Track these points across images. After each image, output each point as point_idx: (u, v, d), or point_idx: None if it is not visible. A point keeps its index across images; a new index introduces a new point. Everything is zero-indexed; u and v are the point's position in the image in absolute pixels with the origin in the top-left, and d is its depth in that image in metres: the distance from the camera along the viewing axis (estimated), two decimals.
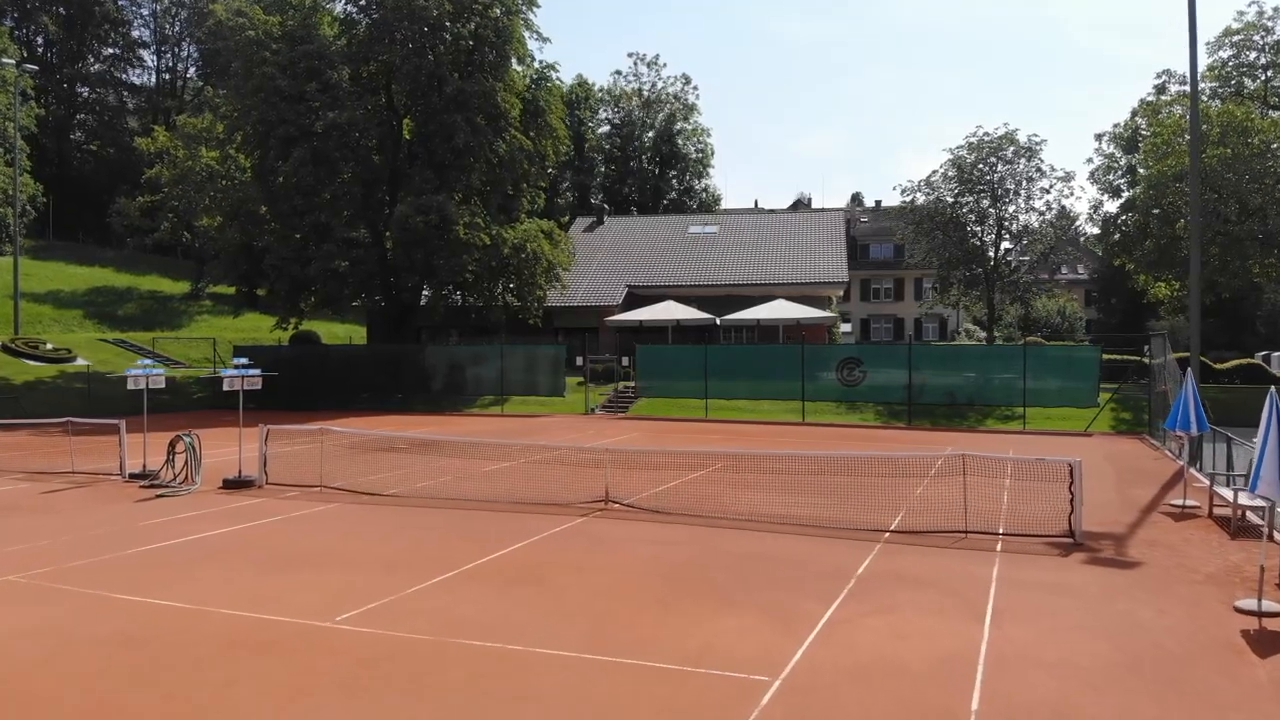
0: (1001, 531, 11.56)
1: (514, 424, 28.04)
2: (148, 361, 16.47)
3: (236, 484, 15.17)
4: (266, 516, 12.73)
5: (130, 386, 16.06)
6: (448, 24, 35.19)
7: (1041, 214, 35.59)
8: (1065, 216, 37.76)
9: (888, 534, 11.50)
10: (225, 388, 15.41)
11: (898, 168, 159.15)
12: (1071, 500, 11.20)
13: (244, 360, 16.15)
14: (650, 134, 67.21)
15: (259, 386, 16.01)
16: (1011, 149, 35.16)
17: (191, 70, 78.60)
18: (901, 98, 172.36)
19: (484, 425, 27.58)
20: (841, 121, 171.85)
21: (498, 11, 36.46)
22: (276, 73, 33.95)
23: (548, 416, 30.53)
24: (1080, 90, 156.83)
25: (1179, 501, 13.95)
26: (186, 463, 15.57)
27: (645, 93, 67.73)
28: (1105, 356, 46.30)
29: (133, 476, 16.02)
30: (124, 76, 76.38)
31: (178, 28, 76.55)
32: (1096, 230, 47.47)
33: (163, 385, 16.67)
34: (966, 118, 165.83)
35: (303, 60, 34.58)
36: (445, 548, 10.75)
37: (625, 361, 33.65)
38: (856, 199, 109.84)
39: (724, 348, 32.59)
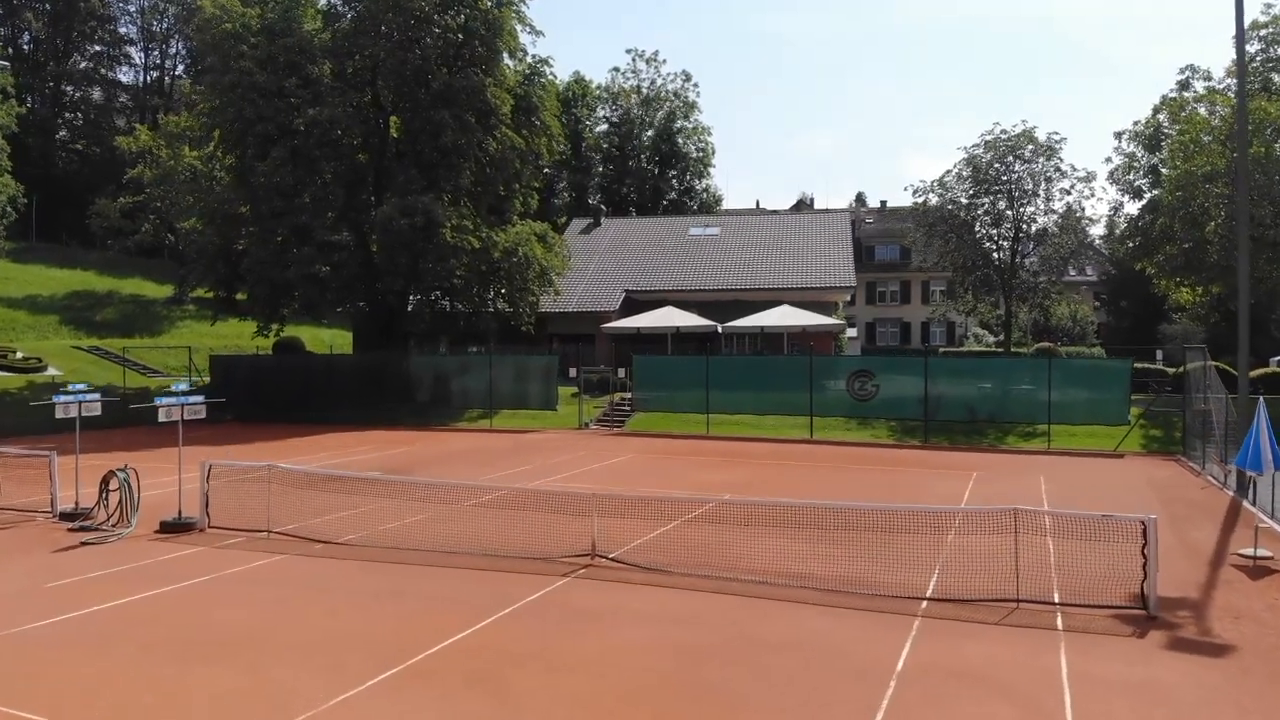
0: (1059, 601, 9.75)
1: (502, 441, 26.24)
2: (79, 386, 14.62)
3: (175, 527, 13.37)
4: (196, 575, 10.92)
5: (59, 415, 14.24)
6: (435, 16, 33.37)
7: (1062, 217, 33.65)
8: (1074, 216, 35.66)
9: (925, 602, 9.69)
10: (161, 419, 13.60)
11: (899, 168, 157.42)
12: (1145, 565, 9.39)
13: (184, 385, 14.29)
14: (649, 132, 65.28)
15: (202, 415, 14.20)
16: (1030, 147, 33.27)
17: (180, 68, 76.77)
18: (901, 97, 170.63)
19: (469, 442, 25.79)
20: (842, 121, 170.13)
21: (488, 4, 34.66)
22: (254, 67, 32.19)
23: (538, 432, 28.72)
24: (1079, 92, 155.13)
25: (1249, 551, 12.14)
26: (121, 501, 13.78)
27: (644, 90, 65.82)
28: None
29: (63, 516, 14.23)
30: (111, 74, 74.54)
31: (166, 24, 74.69)
32: (1104, 231, 45.54)
33: (98, 412, 14.84)
34: (966, 118, 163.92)
35: (282, 54, 32.83)
36: (394, 625, 8.94)
37: (622, 373, 31.80)
38: (860, 199, 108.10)
39: (726, 359, 30.76)
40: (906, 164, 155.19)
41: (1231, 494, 17.11)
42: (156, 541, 12.81)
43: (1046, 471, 20.02)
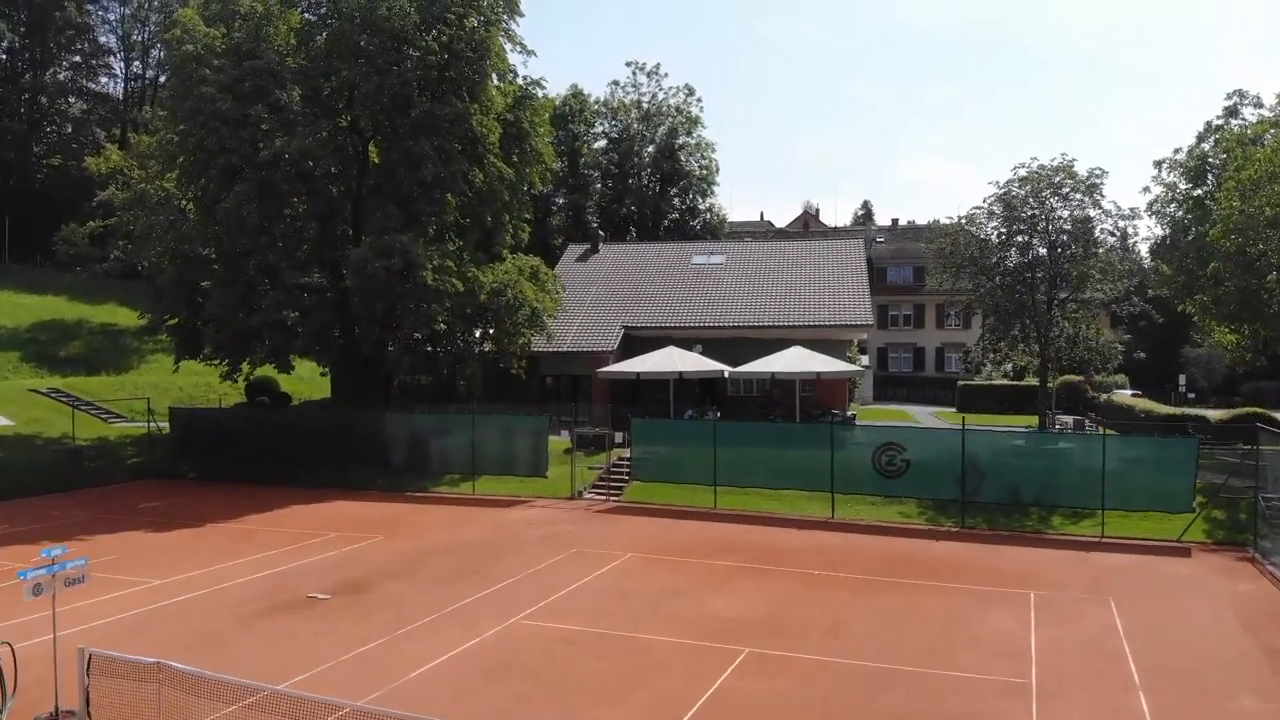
0: None
1: (483, 526, 23.27)
2: None
3: None
4: None
5: None
6: (416, 36, 30.41)
7: (1102, 261, 30.64)
8: (1117, 264, 32.54)
9: None
10: (28, 597, 10.74)
11: (904, 173, 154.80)
12: None
13: (57, 550, 11.34)
14: (650, 149, 62.33)
15: (83, 582, 11.35)
16: (1069, 184, 30.27)
17: (163, 77, 73.75)
18: (902, 104, 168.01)
19: (446, 529, 22.79)
20: (846, 127, 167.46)
21: (474, 22, 31.70)
22: (217, 93, 29.28)
23: (526, 504, 25.85)
24: (1080, 99, 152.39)
25: None
26: None
27: (645, 105, 62.87)
28: (1145, 406, 41.29)
29: None
30: (93, 85, 71.56)
31: (147, 33, 71.63)
32: (1117, 241, 42.23)
33: None
34: (967, 123, 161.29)
35: (249, 78, 29.89)
36: None
37: (620, 438, 28.89)
38: (867, 208, 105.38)
39: (736, 424, 27.75)
40: (911, 169, 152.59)
41: None
42: None
43: (1115, 590, 17.07)
